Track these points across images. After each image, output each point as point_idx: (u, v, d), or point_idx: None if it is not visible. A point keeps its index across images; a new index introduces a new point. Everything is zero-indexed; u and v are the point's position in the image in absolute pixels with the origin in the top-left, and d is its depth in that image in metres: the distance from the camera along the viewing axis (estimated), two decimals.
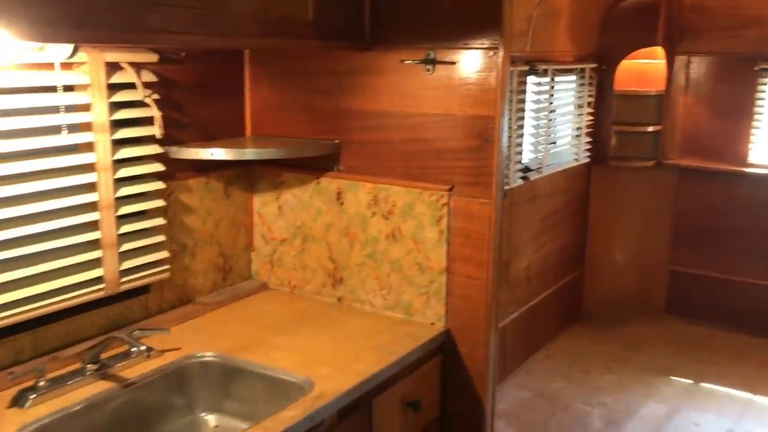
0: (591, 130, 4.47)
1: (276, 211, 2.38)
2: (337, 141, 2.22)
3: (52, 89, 1.72)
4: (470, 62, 1.97)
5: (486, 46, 1.94)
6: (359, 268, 2.24)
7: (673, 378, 3.94)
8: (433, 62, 2.01)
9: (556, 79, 4.00)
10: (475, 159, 2.00)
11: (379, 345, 1.98)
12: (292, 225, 2.35)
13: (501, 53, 1.93)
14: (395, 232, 2.15)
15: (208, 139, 2.24)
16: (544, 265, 4.22)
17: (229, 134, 2.33)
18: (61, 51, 1.54)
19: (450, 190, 2.04)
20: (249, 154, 2.14)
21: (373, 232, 2.19)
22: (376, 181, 2.16)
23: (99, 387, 1.74)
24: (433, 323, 2.12)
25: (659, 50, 4.38)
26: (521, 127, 3.75)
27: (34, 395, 1.64)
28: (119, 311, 2.02)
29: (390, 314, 2.20)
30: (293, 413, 1.61)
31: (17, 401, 1.64)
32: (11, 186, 1.70)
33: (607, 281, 4.79)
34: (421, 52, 2.02)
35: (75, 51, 1.53)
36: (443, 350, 2.12)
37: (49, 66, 1.71)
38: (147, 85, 1.96)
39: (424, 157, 2.08)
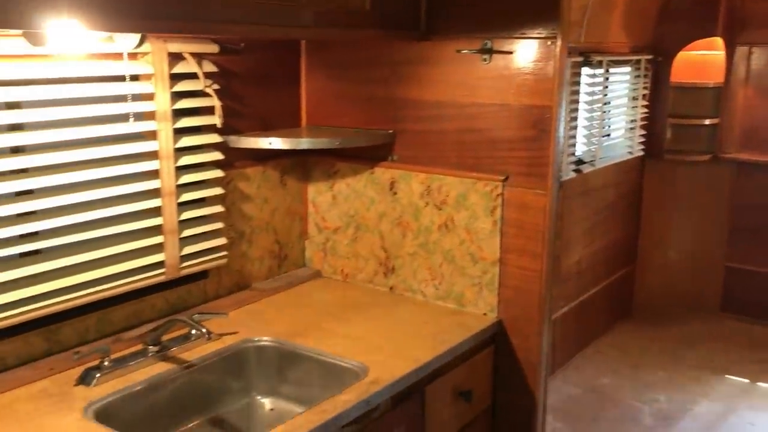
0: (645, 122, 4.39)
1: (330, 201, 2.41)
2: (391, 131, 2.24)
3: (120, 78, 1.77)
4: (527, 52, 1.96)
5: (543, 35, 1.93)
6: (411, 257, 2.26)
7: (728, 377, 3.86)
8: (490, 52, 2.00)
9: (611, 70, 3.94)
10: (531, 149, 1.99)
11: (431, 334, 2.00)
12: (345, 214, 2.38)
13: (559, 43, 1.91)
14: (448, 222, 2.15)
15: (265, 128, 2.28)
16: (595, 260, 4.17)
17: (285, 124, 2.37)
18: (128, 41, 1.59)
19: (505, 180, 2.04)
20: (305, 143, 2.17)
21: (425, 222, 2.20)
22: (430, 171, 2.17)
23: (160, 368, 1.79)
24: (485, 314, 2.13)
25: (718, 41, 4.27)
26: (574, 119, 3.71)
27: (99, 374, 1.70)
28: (178, 295, 2.08)
29: (441, 304, 2.21)
30: (348, 397, 1.64)
31: (83, 379, 1.70)
32: (81, 172, 1.76)
33: (660, 277, 4.70)
34: (477, 41, 2.02)
35: (142, 41, 1.58)
36: (495, 341, 2.12)
37: (116, 56, 1.77)
38: (208, 75, 2.01)
39: (479, 147, 2.08)
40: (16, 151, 1.69)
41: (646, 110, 4.36)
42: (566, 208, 3.70)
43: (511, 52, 1.98)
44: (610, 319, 4.48)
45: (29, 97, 1.66)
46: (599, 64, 3.80)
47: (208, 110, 2.04)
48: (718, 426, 3.39)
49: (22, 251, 1.70)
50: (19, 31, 1.47)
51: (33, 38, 1.41)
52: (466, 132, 2.09)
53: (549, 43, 1.92)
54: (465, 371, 2.00)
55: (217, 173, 2.10)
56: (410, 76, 2.17)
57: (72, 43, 1.62)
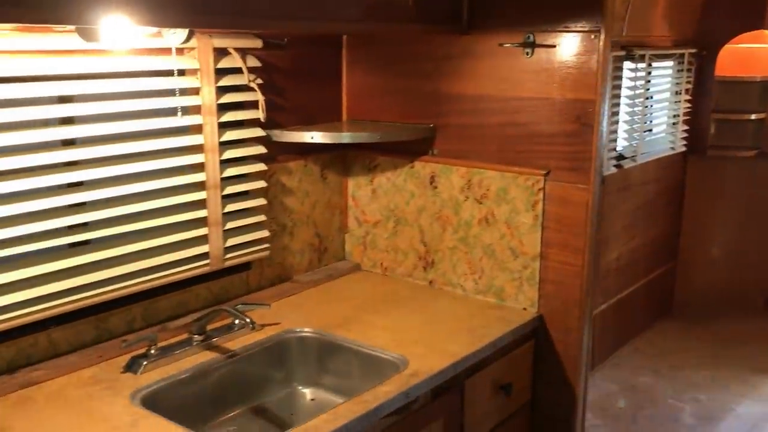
0: (688, 117, 4.32)
1: (369, 194, 2.42)
2: (431, 125, 2.24)
3: (168, 73, 1.81)
4: (570, 45, 1.94)
5: (587, 29, 1.92)
6: (451, 251, 2.26)
7: None
8: (532, 45, 1.99)
9: (653, 64, 3.89)
10: (573, 143, 1.98)
11: (471, 328, 2.00)
12: (385, 208, 2.39)
13: (602, 36, 1.90)
14: (488, 216, 2.15)
15: (306, 123, 2.30)
16: (635, 257, 4.12)
17: (326, 118, 2.39)
18: (176, 37, 1.62)
19: (546, 174, 2.03)
20: (346, 137, 2.19)
21: (465, 216, 2.21)
22: (471, 165, 2.17)
23: (204, 357, 1.83)
24: (525, 308, 2.12)
25: (765, 33, 4.17)
26: (616, 114, 3.67)
27: (146, 362, 1.75)
28: (222, 286, 2.12)
29: (481, 298, 2.21)
30: (389, 389, 1.65)
31: (130, 367, 1.75)
32: (129, 165, 1.80)
33: (702, 276, 4.62)
34: (519, 35, 2.01)
35: (190, 36, 1.61)
36: (536, 336, 2.11)
37: (164, 51, 1.81)
38: (251, 70, 2.03)
39: (520, 141, 2.07)
40: (67, 143, 1.74)
41: (689, 105, 4.29)
42: (606, 204, 3.66)
43: (554, 46, 1.97)
44: (650, 317, 4.42)
45: (81, 91, 1.70)
46: (641, 59, 3.75)
47: (252, 104, 2.07)
48: (761, 426, 3.32)
49: (72, 241, 1.75)
50: (73, 27, 1.51)
51: (86, 34, 1.45)
52: (508, 126, 2.09)
53: (593, 36, 1.91)
54: (505, 365, 2.00)
55: (260, 167, 2.13)
56: (451, 71, 2.17)
57: (122, 38, 1.66)
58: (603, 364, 3.91)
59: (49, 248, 1.70)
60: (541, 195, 2.04)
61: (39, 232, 1.67)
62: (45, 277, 1.69)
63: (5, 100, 1.58)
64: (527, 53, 2.01)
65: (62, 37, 1.62)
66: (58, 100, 1.71)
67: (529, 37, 2.00)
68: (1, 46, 1.54)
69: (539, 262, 2.08)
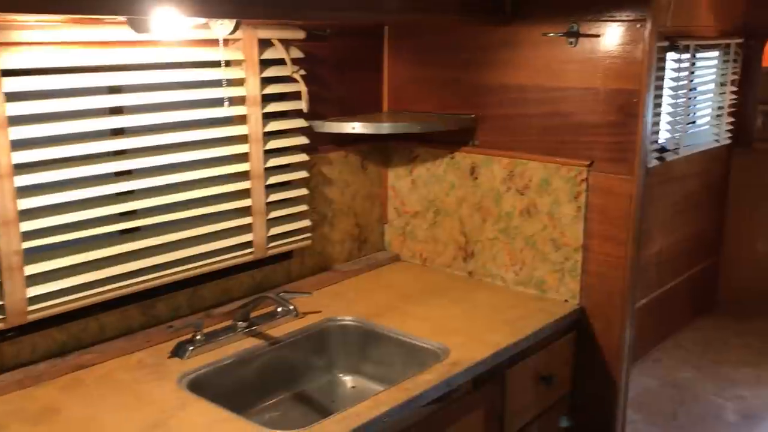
0: (734, 109, 4.22)
1: (409, 185, 2.43)
2: (473, 116, 2.24)
3: (215, 64, 1.84)
4: (615, 35, 1.92)
5: (632, 18, 1.89)
6: (491, 242, 2.26)
7: None
8: (576, 35, 1.98)
9: (698, 55, 3.81)
10: (617, 134, 1.96)
11: (511, 319, 2.00)
12: (424, 199, 2.40)
13: (648, 25, 1.87)
14: (530, 207, 2.15)
15: (347, 114, 2.32)
16: (677, 251, 4.06)
17: (367, 109, 2.40)
18: (223, 28, 1.65)
19: (590, 165, 2.01)
20: (387, 128, 2.20)
21: (506, 207, 2.20)
22: (512, 155, 2.16)
23: (248, 343, 1.86)
24: (566, 300, 2.11)
25: None
26: (658, 105, 3.61)
27: (192, 347, 1.78)
28: (264, 274, 2.15)
29: (521, 290, 2.20)
30: (430, 377, 1.66)
31: (177, 352, 1.79)
32: (176, 154, 1.84)
33: (746, 271, 4.52)
34: (563, 25, 1.99)
35: (236, 27, 1.63)
36: (577, 328, 2.10)
37: (210, 43, 1.84)
38: (294, 61, 2.05)
39: (563, 132, 2.06)
40: (117, 133, 1.78)
41: (734, 96, 4.19)
42: (647, 197, 3.59)
43: (598, 35, 1.95)
44: (692, 313, 4.35)
45: (130, 81, 1.74)
46: (686, 49, 3.68)
47: (295, 95, 2.09)
48: None
49: (122, 229, 1.79)
50: (124, 19, 1.55)
51: (137, 25, 1.48)
52: (550, 116, 2.07)
53: (638, 26, 1.88)
54: (546, 357, 2.00)
55: (302, 157, 2.15)
56: (493, 61, 2.16)
57: (171, 30, 1.69)
58: (643, 359, 3.86)
59: (100, 235, 1.75)
60: (584, 186, 2.03)
61: (90, 219, 1.71)
62: (96, 263, 1.74)
63: (57, 90, 1.62)
64: (571, 43, 2.00)
65: (113, 29, 1.66)
66: (107, 90, 1.75)
67: (573, 27, 1.98)
68: (54, 37, 1.59)
69: (581, 254, 2.06)
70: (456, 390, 1.72)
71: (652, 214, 3.72)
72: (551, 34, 2.01)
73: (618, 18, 1.91)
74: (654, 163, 3.59)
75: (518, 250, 2.19)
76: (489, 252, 2.26)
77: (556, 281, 2.13)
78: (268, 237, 2.07)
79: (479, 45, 2.19)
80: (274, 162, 2.06)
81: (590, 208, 2.03)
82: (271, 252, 2.09)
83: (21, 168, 1.57)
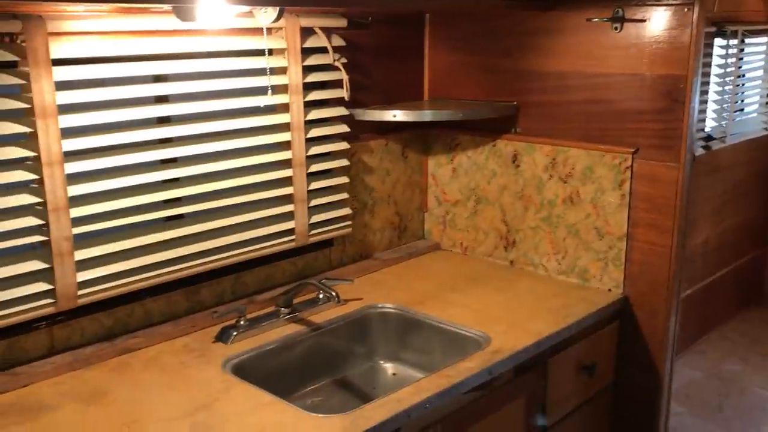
0: None
1: (450, 173, 2.42)
2: (515, 103, 2.22)
3: (258, 53, 1.86)
4: (662, 19, 1.88)
5: (679, 2, 1.85)
6: (533, 231, 2.24)
7: None
8: (621, 20, 1.94)
9: (746, 41, 3.71)
10: (663, 121, 1.92)
11: (554, 307, 1.98)
12: (465, 187, 2.39)
13: (696, 9, 1.83)
14: (573, 195, 2.12)
15: (388, 102, 2.32)
16: (723, 241, 3.97)
17: (408, 97, 2.40)
18: (267, 16, 1.66)
19: (635, 152, 1.98)
20: (428, 115, 2.19)
21: (549, 196, 2.18)
22: (555, 143, 2.14)
23: (290, 329, 1.88)
24: (609, 289, 2.08)
25: None
26: (705, 93, 3.52)
27: (235, 332, 1.81)
28: (306, 262, 2.17)
29: (564, 278, 2.18)
30: (472, 365, 1.66)
31: (221, 337, 1.81)
32: (220, 142, 1.86)
33: None
34: (608, 9, 1.96)
35: (280, 15, 1.64)
36: (620, 317, 2.08)
37: (253, 32, 1.85)
38: (336, 49, 2.06)
39: (607, 119, 2.03)
40: (162, 121, 1.81)
41: None
42: (693, 186, 3.53)
43: (644, 20, 1.91)
44: (739, 304, 4.26)
45: (175, 70, 1.77)
46: (734, 35, 3.58)
47: (336, 84, 2.09)
48: None
49: (167, 215, 1.82)
50: (170, 8, 1.57)
51: (183, 14, 1.50)
52: (594, 103, 2.04)
53: (686, 9, 1.84)
54: (588, 346, 1.98)
55: (343, 145, 2.16)
56: (535, 47, 2.14)
57: (215, 18, 1.71)
58: (688, 351, 3.79)
59: (146, 222, 1.78)
60: (628, 174, 2.00)
61: (137, 206, 1.74)
62: (142, 249, 1.78)
63: (104, 79, 1.65)
64: (615, 28, 1.96)
65: (158, 18, 1.68)
66: (153, 79, 1.78)
67: (618, 12, 1.95)
68: (101, 27, 1.62)
69: (626, 243, 2.03)
70: (497, 378, 1.72)
71: (698, 204, 3.64)
72: (595, 20, 1.98)
73: (665, 2, 1.87)
74: (700, 152, 3.51)
75: (561, 238, 2.17)
76: (531, 241, 2.25)
77: (599, 270, 2.10)
78: (310, 225, 2.09)
79: (521, 31, 2.16)
80: (315, 150, 2.07)
81: (635, 196, 2.00)
82: (312, 239, 2.11)
83: (71, 155, 1.61)
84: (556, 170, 2.14)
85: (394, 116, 2.15)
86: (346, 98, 2.09)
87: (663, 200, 1.96)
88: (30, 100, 1.52)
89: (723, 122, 3.69)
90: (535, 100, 2.18)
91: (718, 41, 3.54)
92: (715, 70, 3.58)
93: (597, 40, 2.00)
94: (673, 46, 1.87)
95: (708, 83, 3.55)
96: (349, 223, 2.22)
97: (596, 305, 1.99)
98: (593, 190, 2.07)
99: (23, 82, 1.52)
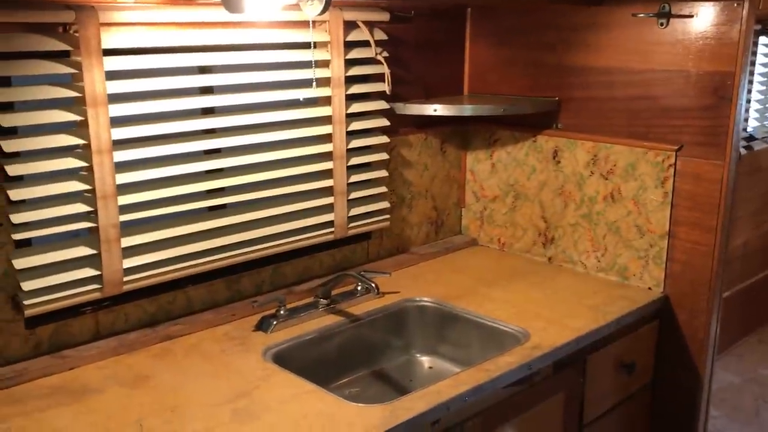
0: None
1: (489, 169, 2.41)
2: (556, 98, 2.20)
3: (302, 46, 1.87)
4: (710, 15, 1.86)
5: None
6: (573, 228, 2.22)
7: None
8: (668, 16, 1.92)
9: None
10: (709, 118, 1.89)
11: (593, 305, 1.97)
12: (504, 183, 2.38)
13: (746, 5, 1.80)
14: (614, 192, 2.10)
15: (428, 96, 2.32)
16: (764, 244, 3.89)
17: (448, 92, 2.39)
18: (313, 8, 1.66)
19: (678, 150, 1.96)
20: (469, 110, 2.18)
21: (590, 192, 2.16)
22: (597, 139, 2.12)
23: (329, 320, 1.90)
24: (650, 288, 2.06)
25: None
26: (749, 92, 3.46)
27: (275, 322, 1.83)
28: (344, 254, 2.18)
29: (603, 276, 2.17)
30: (511, 359, 1.66)
31: (261, 326, 1.83)
32: (263, 134, 1.88)
33: None
34: (654, 5, 1.93)
35: (326, 8, 1.65)
36: (660, 316, 2.05)
37: (297, 24, 1.87)
38: (378, 43, 2.07)
39: (651, 116, 2.01)
40: (207, 112, 1.84)
41: None
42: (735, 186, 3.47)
43: (691, 16, 1.88)
44: None
45: (220, 62, 1.79)
46: None
47: (378, 77, 2.10)
48: None
49: (210, 205, 1.85)
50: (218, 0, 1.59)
51: (232, 5, 1.52)
52: (638, 99, 2.02)
53: (735, 5, 1.81)
54: (628, 344, 1.96)
55: (383, 139, 2.16)
56: (579, 42, 2.12)
57: (262, 10, 1.73)
58: (725, 354, 3.73)
59: (189, 211, 1.80)
60: (671, 171, 1.97)
61: (181, 195, 1.77)
62: (185, 238, 1.80)
63: (152, 70, 1.68)
64: (662, 24, 1.94)
65: (205, 10, 1.70)
66: (198, 70, 1.81)
67: (664, 7, 1.92)
68: (150, 18, 1.64)
69: (667, 241, 2.01)
70: (537, 374, 1.71)
71: (738, 205, 3.57)
72: (641, 15, 1.96)
73: None
74: (742, 151, 3.45)
75: (601, 236, 2.15)
76: (570, 237, 2.23)
77: (640, 268, 2.08)
78: (348, 217, 2.10)
79: (564, 26, 2.15)
80: (355, 143, 2.08)
81: (678, 194, 1.98)
82: (351, 232, 2.12)
83: (119, 144, 1.64)
84: (598, 167, 2.12)
85: (435, 110, 2.15)
86: (388, 92, 2.10)
87: (707, 198, 1.93)
88: (81, 89, 1.55)
89: (766, 122, 3.62)
90: (577, 96, 2.16)
91: (763, 39, 3.47)
92: (759, 69, 3.52)
93: (642, 35, 1.98)
94: (721, 42, 1.85)
95: (752, 83, 3.48)
96: (388, 216, 2.22)
97: (636, 303, 1.97)
98: (635, 187, 2.05)
99: (75, 71, 1.55)
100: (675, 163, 1.97)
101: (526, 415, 1.73)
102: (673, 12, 1.91)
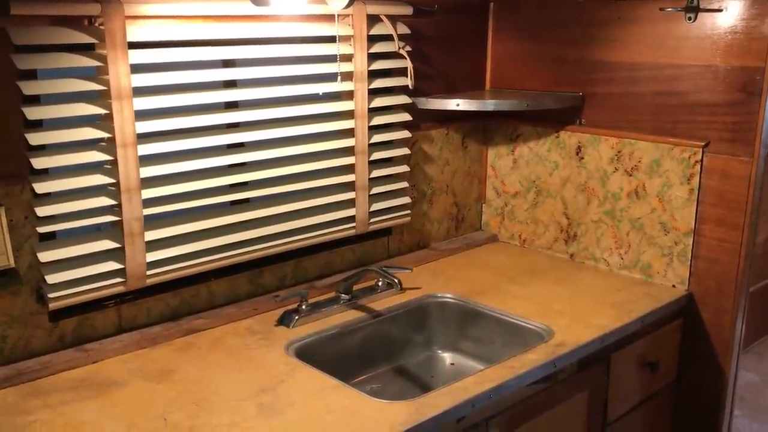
0: None
1: (510, 164, 2.40)
2: (580, 93, 2.18)
3: (326, 40, 1.86)
4: (739, 9, 1.83)
5: None
6: (595, 225, 2.20)
7: None
8: (696, 10, 1.89)
9: None
10: (737, 114, 1.87)
11: (617, 302, 1.95)
12: (526, 178, 2.36)
13: None
14: (638, 189, 2.08)
15: (450, 91, 2.30)
16: None
17: (469, 87, 2.38)
18: (338, 2, 1.65)
19: (705, 146, 1.93)
20: (491, 105, 2.17)
21: (613, 189, 2.14)
22: (621, 135, 2.09)
23: (351, 315, 1.89)
24: (674, 286, 2.04)
25: None
26: None
27: (297, 317, 1.82)
28: (364, 249, 2.17)
29: (626, 274, 2.15)
30: (536, 357, 1.65)
31: (283, 320, 1.83)
32: (286, 128, 1.88)
33: None
34: None
35: (351, 2, 1.63)
36: (685, 314, 2.03)
37: (321, 18, 1.86)
38: (401, 37, 2.05)
39: (677, 111, 1.98)
40: (230, 106, 1.83)
41: None
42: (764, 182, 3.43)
43: (720, 10, 1.86)
44: None
45: (243, 55, 1.78)
46: None
47: (400, 72, 2.09)
48: None
49: (233, 199, 1.84)
50: None
51: None
52: (664, 95, 2.00)
53: None
54: (652, 342, 1.94)
55: (405, 134, 2.15)
56: (603, 37, 2.10)
57: (288, 3, 1.72)
58: (745, 352, 3.69)
59: (212, 205, 1.80)
60: (697, 168, 1.95)
61: (204, 190, 1.77)
62: (208, 232, 1.80)
63: (175, 63, 1.67)
64: (689, 18, 1.91)
65: (230, 4, 1.69)
66: (221, 64, 1.80)
67: (692, 2, 1.90)
68: (175, 11, 1.63)
69: (693, 238, 1.99)
70: (561, 371, 1.70)
71: (761, 202, 3.53)
72: (669, 9, 1.93)
73: None
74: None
75: (624, 233, 2.13)
76: (593, 234, 2.21)
77: (664, 266, 2.06)
78: (370, 212, 2.09)
79: (588, 20, 2.12)
80: (377, 138, 2.07)
81: (704, 191, 1.95)
82: (372, 227, 2.11)
83: (143, 138, 1.64)
84: (622, 163, 2.10)
85: (457, 105, 2.14)
86: (410, 86, 2.08)
87: (734, 195, 1.90)
88: (106, 82, 1.55)
89: None
90: (601, 91, 2.14)
91: None
92: None
93: (669, 30, 1.96)
94: (750, 36, 1.82)
95: None
96: (409, 212, 2.21)
97: (661, 301, 1.95)
98: (660, 183, 2.03)
99: (100, 64, 1.54)
100: (701, 160, 1.94)
101: (550, 413, 1.71)
102: (701, 6, 1.89)
